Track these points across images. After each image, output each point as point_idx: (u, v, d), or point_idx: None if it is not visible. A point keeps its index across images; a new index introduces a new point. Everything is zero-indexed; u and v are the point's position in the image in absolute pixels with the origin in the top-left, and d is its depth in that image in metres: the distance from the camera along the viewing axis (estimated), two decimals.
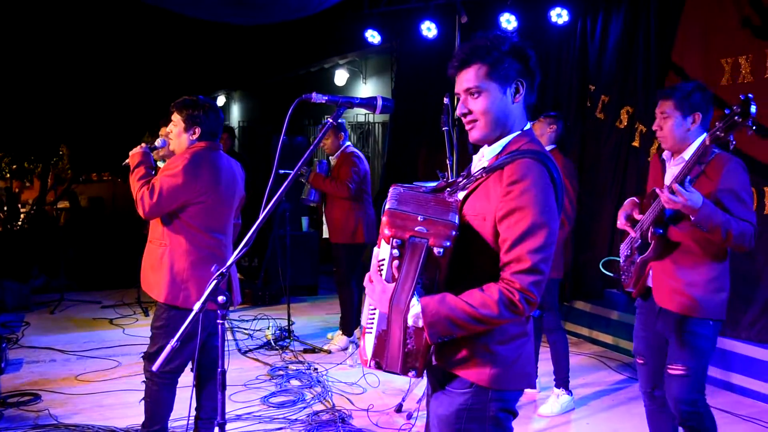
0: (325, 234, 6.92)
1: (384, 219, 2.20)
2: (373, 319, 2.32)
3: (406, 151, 10.00)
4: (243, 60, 17.75)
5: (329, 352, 6.54)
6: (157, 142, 4.23)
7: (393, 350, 2.24)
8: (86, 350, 6.61)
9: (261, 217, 2.48)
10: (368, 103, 2.60)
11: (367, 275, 2.35)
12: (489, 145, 2.37)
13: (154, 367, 2.60)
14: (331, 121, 2.58)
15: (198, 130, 4.04)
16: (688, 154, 3.39)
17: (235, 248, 3.65)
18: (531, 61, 2.32)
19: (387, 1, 9.35)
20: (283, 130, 2.74)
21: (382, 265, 2.27)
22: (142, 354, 4.12)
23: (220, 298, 2.51)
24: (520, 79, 2.30)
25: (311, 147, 2.55)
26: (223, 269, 2.51)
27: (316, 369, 5.98)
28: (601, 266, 4.29)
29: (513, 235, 2.14)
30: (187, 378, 4.29)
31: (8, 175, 32.63)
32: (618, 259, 3.87)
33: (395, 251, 2.19)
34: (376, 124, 12.26)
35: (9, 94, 18.83)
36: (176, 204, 3.91)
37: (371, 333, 2.32)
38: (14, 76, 18.19)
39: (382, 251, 2.28)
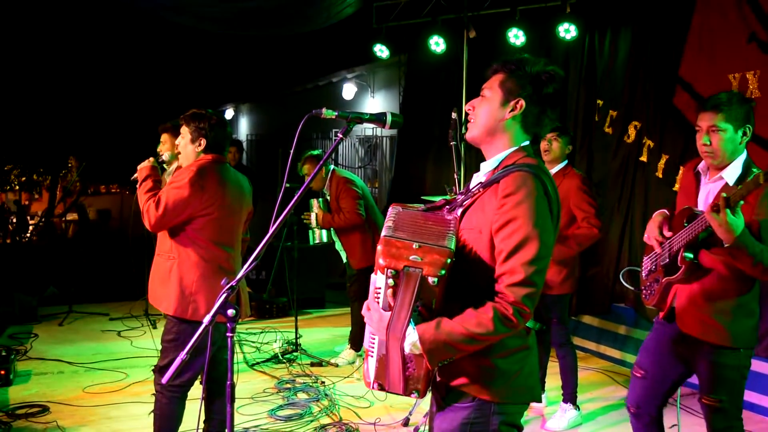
0: (344, 258, 6.79)
1: (379, 248, 2.22)
2: (374, 343, 2.34)
3: (414, 166, 10.02)
4: (251, 73, 17.84)
5: (336, 365, 6.54)
6: (165, 156, 4.25)
7: (394, 374, 2.26)
8: (94, 362, 6.63)
9: (271, 230, 2.50)
10: (377, 118, 2.61)
11: (365, 303, 2.36)
12: (485, 154, 2.43)
13: (164, 380, 2.61)
14: (341, 135, 2.60)
15: (203, 142, 4.05)
16: (729, 171, 3.24)
17: (243, 262, 3.67)
18: (544, 89, 2.36)
19: (395, 15, 9.39)
20: (293, 145, 2.77)
21: (379, 292, 2.28)
22: (153, 367, 4.13)
23: (230, 312, 2.52)
24: (522, 98, 2.35)
25: (313, 173, 2.57)
26: (233, 282, 2.53)
27: (323, 382, 5.98)
28: (621, 276, 4.27)
29: (507, 247, 2.17)
30: (196, 391, 4.30)
31: (17, 187, 32.81)
32: (638, 269, 3.78)
33: (390, 281, 2.21)
34: (384, 138, 12.30)
35: (18, 106, 18.94)
36: (182, 217, 3.92)
37: (373, 357, 2.34)
38: (24, 88, 18.31)
39: (379, 279, 2.29)
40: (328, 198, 6.60)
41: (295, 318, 7.00)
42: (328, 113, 2.62)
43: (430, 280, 2.15)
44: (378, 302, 2.28)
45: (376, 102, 12.51)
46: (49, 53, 17.38)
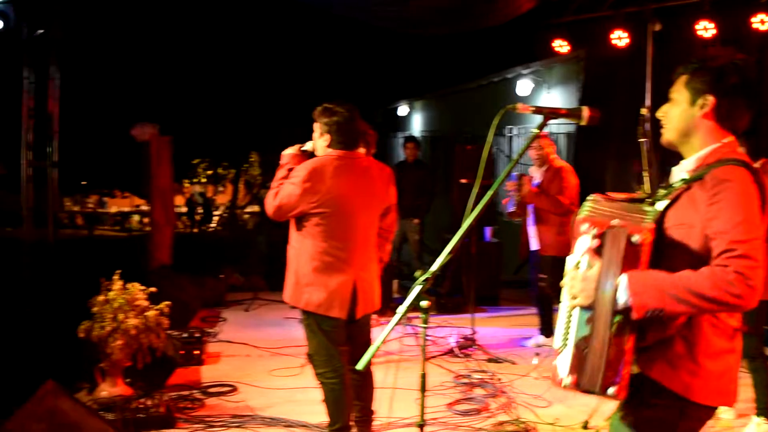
0: (534, 246, 6.84)
1: (580, 217, 2.27)
2: (568, 333, 2.31)
3: (593, 162, 9.77)
4: (425, 70, 18.00)
5: (513, 363, 6.50)
6: (307, 146, 4.31)
7: (594, 360, 2.22)
8: (278, 347, 6.95)
9: (465, 226, 2.53)
10: (574, 113, 2.59)
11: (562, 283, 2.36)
12: (683, 154, 2.41)
13: (359, 366, 2.70)
14: (538, 131, 2.59)
15: (329, 138, 4.11)
16: None
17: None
18: (731, 80, 2.30)
19: (574, 9, 9.20)
20: (489, 141, 2.78)
21: (579, 264, 2.28)
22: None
23: (424, 303, 2.58)
24: (709, 93, 2.30)
25: (515, 159, 2.57)
26: (427, 275, 2.58)
27: (500, 379, 5.97)
28: None
29: (721, 231, 2.13)
30: (385, 377, 4.42)
31: (204, 180, 34.89)
32: None
33: (594, 242, 2.23)
34: (560, 135, 12.06)
35: (206, 104, 20.09)
36: (294, 213, 4.03)
37: (567, 347, 2.31)
38: (211, 86, 19.40)
39: (576, 251, 2.29)
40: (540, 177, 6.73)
41: (472, 313, 7.02)
42: (522, 108, 2.63)
43: (635, 238, 2.16)
44: (578, 271, 2.28)
45: (553, 98, 12.27)
46: (235, 52, 18.28)
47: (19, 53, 7.08)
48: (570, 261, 2.33)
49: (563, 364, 2.30)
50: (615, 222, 2.20)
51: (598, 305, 2.20)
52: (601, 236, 2.21)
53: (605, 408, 5.04)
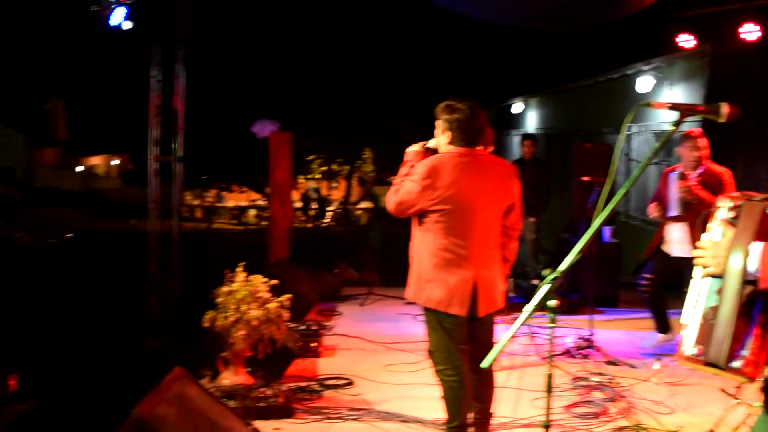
0: (677, 252, 6.52)
1: (719, 200, 2.26)
2: (696, 305, 2.25)
3: (720, 161, 9.39)
4: (541, 67, 17.75)
5: (632, 366, 6.32)
6: (431, 143, 4.30)
7: (720, 328, 2.13)
8: (393, 342, 6.99)
9: (596, 224, 2.48)
10: (713, 110, 2.49)
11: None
12: None
13: (484, 364, 2.69)
14: (678, 130, 2.51)
15: (450, 135, 4.09)
16: None
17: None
18: None
19: (700, 2, 8.86)
20: (621, 138, 2.71)
21: (712, 234, 2.25)
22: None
23: (552, 303, 2.55)
24: None
25: (650, 156, 2.50)
26: (556, 274, 2.54)
27: (619, 383, 5.81)
28: None
29: None
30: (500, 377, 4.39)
31: (318, 176, 35.55)
32: None
33: (730, 213, 2.21)
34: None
35: (324, 101, 20.46)
36: (413, 209, 4.04)
37: (695, 318, 2.25)
38: (330, 86, 19.75)
39: (711, 226, 2.26)
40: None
41: (590, 314, 6.87)
42: (657, 105, 2.56)
43: None
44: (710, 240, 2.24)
45: (675, 95, 11.85)
46: (353, 50, 18.54)
47: (148, 52, 7.36)
48: (704, 236, 2.28)
49: (690, 336, 2.26)
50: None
51: (728, 274, 2.14)
52: (736, 208, 2.20)
53: (732, 417, 4.84)
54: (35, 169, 43.07)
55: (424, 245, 4.08)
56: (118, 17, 6.99)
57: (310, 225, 27.46)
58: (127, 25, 7.09)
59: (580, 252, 2.49)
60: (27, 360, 6.44)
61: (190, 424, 3.95)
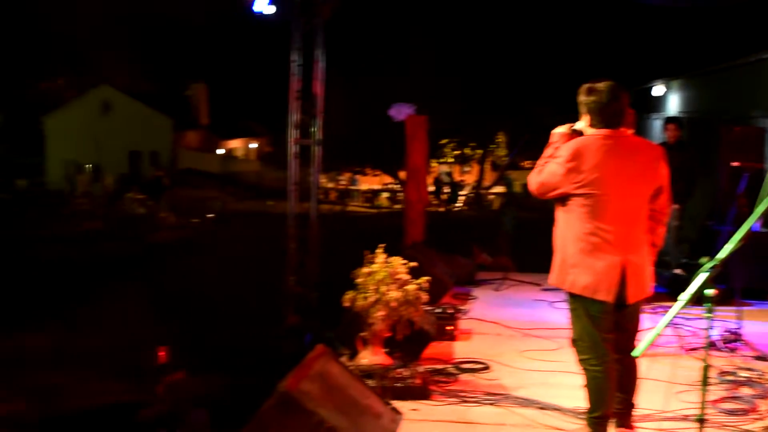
0: None
1: None
2: None
3: None
4: (684, 47, 17.03)
5: None
6: (578, 125, 4.18)
7: None
8: (529, 329, 6.91)
9: (758, 211, 2.36)
10: None
11: None
12: None
13: (635, 353, 2.62)
14: None
15: (587, 118, 3.99)
16: None
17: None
18: None
19: None
20: None
21: None
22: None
23: (710, 292, 2.45)
24: None
25: None
26: (714, 262, 2.44)
27: None
28: None
29: None
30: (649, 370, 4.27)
31: (451, 160, 35.54)
32: None
33: None
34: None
35: (459, 84, 20.38)
36: (556, 192, 3.95)
37: None
38: (465, 69, 19.66)
39: None
40: None
41: (738, 306, 6.55)
42: None
43: None
44: None
45: None
46: (487, 33, 18.41)
47: (288, 37, 7.52)
48: None
49: None
50: None
51: None
52: None
53: None
54: (178, 152, 45.23)
55: (569, 229, 3.99)
56: (261, 2, 7.17)
57: (442, 209, 27.52)
58: (270, 10, 7.27)
59: (740, 240, 2.37)
60: (176, 334, 6.80)
61: (331, 400, 4.05)
